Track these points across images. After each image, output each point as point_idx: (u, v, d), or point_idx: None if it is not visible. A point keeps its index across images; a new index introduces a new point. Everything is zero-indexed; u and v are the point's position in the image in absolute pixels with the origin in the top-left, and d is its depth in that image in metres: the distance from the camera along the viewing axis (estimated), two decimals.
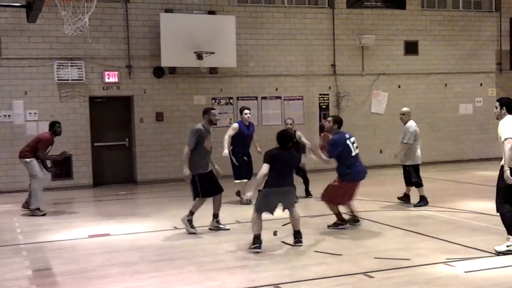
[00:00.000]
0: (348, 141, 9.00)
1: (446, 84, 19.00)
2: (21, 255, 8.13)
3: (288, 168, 8.20)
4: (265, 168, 7.89)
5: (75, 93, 15.22)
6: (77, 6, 11.07)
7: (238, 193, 11.84)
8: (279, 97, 17.19)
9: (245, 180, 11.54)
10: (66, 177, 14.92)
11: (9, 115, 14.71)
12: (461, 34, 19.12)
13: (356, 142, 9.15)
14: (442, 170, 16.82)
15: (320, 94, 17.62)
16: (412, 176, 11.02)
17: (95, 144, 15.62)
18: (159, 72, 15.90)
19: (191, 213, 9.12)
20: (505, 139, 7.09)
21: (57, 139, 11.77)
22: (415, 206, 10.91)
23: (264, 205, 8.00)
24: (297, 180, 10.09)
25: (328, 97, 17.70)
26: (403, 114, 11.17)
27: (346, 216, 9.35)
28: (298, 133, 11.99)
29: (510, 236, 7.25)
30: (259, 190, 8.26)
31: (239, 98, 16.69)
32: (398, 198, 11.43)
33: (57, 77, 14.92)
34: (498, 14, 19.61)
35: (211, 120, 9.16)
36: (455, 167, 17.60)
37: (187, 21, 15.48)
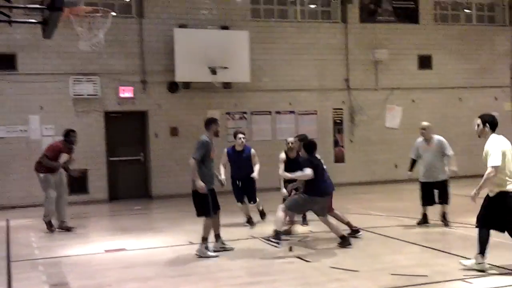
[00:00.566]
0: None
1: (460, 98, 18.93)
2: (37, 270, 8.14)
3: (325, 172, 8.60)
4: (309, 171, 8.27)
5: (90, 108, 15.35)
6: (92, 22, 11.18)
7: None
8: (293, 112, 17.21)
9: (239, 204, 11.10)
10: (81, 192, 15.00)
11: (25, 130, 14.86)
12: (474, 48, 19.08)
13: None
14: (458, 185, 16.64)
15: (334, 109, 17.62)
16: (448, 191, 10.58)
17: (111, 158, 15.71)
18: (173, 87, 15.99)
19: (204, 240, 8.52)
20: (490, 167, 6.78)
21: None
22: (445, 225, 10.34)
23: (297, 209, 8.12)
24: None
25: (342, 112, 17.69)
26: (424, 129, 10.68)
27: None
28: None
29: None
30: (295, 190, 8.32)
31: (253, 113, 16.74)
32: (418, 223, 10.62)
33: (73, 92, 15.07)
34: (511, 28, 19.55)
35: (217, 132, 9.03)
36: (470, 182, 17.33)
37: (201, 36, 15.60)
